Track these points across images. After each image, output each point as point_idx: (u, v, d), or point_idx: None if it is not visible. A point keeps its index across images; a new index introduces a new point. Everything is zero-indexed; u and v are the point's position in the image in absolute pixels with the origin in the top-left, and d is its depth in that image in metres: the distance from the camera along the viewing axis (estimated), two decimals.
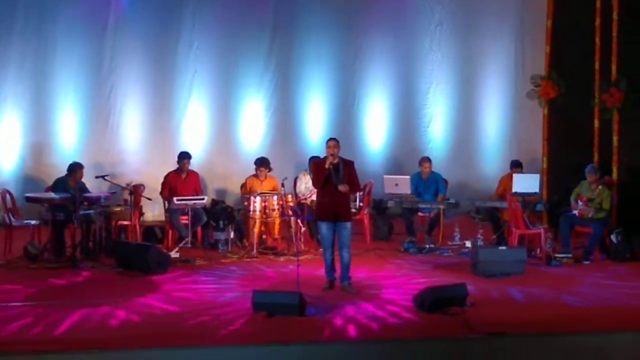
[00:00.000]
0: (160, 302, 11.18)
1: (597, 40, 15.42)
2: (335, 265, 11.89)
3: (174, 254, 14.02)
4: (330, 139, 11.87)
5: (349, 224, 11.87)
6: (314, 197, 15.09)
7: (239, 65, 18.34)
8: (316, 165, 11.89)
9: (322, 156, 15.27)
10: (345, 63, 18.87)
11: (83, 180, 14.45)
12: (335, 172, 11.63)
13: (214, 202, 16.10)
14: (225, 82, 18.32)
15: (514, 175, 14.93)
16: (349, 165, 11.80)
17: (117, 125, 17.96)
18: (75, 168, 14.53)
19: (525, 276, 12.70)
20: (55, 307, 10.78)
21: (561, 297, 11.58)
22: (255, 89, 18.43)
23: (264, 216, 14.54)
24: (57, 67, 17.61)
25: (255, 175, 15.30)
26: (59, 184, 14.38)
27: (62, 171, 14.64)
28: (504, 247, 13.69)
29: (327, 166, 11.61)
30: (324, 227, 11.77)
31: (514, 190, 14.59)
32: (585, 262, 13.81)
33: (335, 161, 11.65)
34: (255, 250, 14.37)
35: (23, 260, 13.67)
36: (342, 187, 11.60)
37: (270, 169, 15.32)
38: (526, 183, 14.70)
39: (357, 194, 15.19)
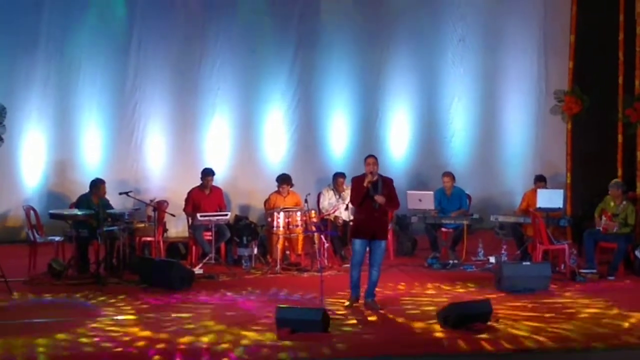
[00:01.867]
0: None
1: (621, 55, 15.38)
2: (360, 283, 11.84)
3: (197, 270, 14.04)
4: (369, 156, 11.82)
5: (384, 243, 11.85)
6: (337, 213, 15.15)
7: (261, 82, 18.36)
8: (355, 182, 11.81)
9: (345, 172, 15.44)
10: (367, 78, 18.86)
11: (106, 196, 14.48)
12: (374, 189, 11.59)
13: (238, 218, 16.12)
14: (248, 99, 18.35)
15: (538, 190, 14.90)
16: (388, 182, 11.76)
17: (140, 142, 18.02)
18: (97, 184, 14.59)
19: (550, 292, 12.67)
20: None
21: (586, 312, 11.53)
22: (278, 105, 18.46)
23: (288, 232, 14.57)
24: (81, 84, 17.69)
25: (278, 192, 15.33)
26: (82, 201, 14.45)
27: (86, 188, 14.69)
28: (528, 263, 13.66)
29: (365, 184, 11.57)
30: (358, 244, 11.70)
31: (537, 205, 14.57)
32: (610, 278, 13.75)
33: (375, 178, 11.61)
34: (278, 266, 14.37)
35: (47, 276, 13.71)
36: (378, 198, 11.55)
37: (292, 185, 15.35)
38: (550, 198, 14.69)
39: None
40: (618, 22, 15.38)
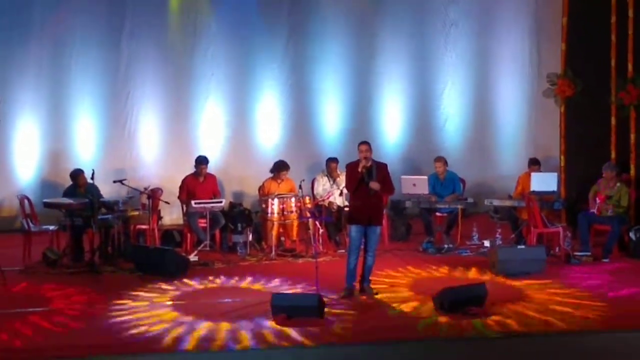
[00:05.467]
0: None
1: (613, 37, 15.39)
2: (356, 272, 11.86)
3: (192, 258, 14.07)
4: (362, 142, 11.82)
5: (379, 229, 11.90)
6: (331, 199, 15.15)
7: (254, 68, 18.32)
8: (349, 168, 11.82)
9: (339, 157, 15.43)
10: (360, 64, 18.81)
11: (100, 185, 14.40)
12: (368, 175, 11.60)
13: (232, 205, 16.11)
14: (241, 85, 18.30)
15: (532, 174, 14.90)
16: (382, 168, 11.79)
17: (134, 130, 17.97)
18: (76, 174, 14.66)
19: (545, 275, 12.69)
20: None
21: (581, 295, 11.56)
22: (271, 91, 18.41)
23: (282, 218, 14.57)
24: (74, 73, 17.62)
25: (273, 178, 15.33)
26: (68, 194, 14.49)
27: None
28: (522, 246, 13.69)
29: (360, 169, 11.58)
30: (354, 230, 11.72)
31: (532, 189, 14.58)
32: (605, 260, 13.79)
33: (369, 164, 11.62)
34: (273, 253, 14.39)
35: (42, 265, 13.73)
36: (373, 184, 11.58)
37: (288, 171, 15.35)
38: (544, 181, 14.69)
39: None
40: (610, 5, 15.40)
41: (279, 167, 15.32)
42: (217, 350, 9.56)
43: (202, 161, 15.27)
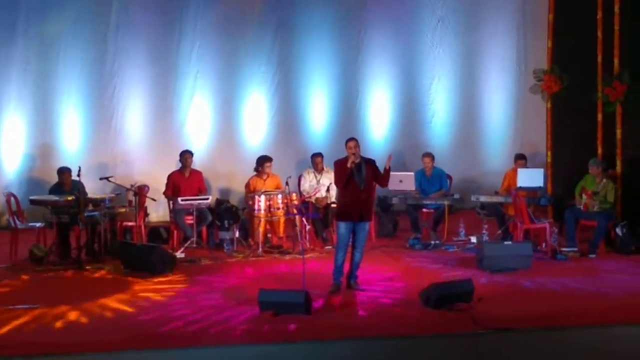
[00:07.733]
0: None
1: (599, 33, 15.38)
2: (344, 268, 11.86)
3: (179, 254, 14.04)
4: (350, 139, 11.79)
5: (368, 225, 11.94)
6: (318, 195, 15.14)
7: (241, 64, 18.31)
8: (338, 165, 11.81)
9: (326, 154, 15.42)
10: (347, 60, 18.83)
11: (83, 181, 14.30)
12: (357, 171, 11.60)
13: (219, 202, 16.07)
14: (227, 82, 18.30)
15: (519, 170, 14.92)
16: (371, 163, 11.80)
17: (120, 127, 17.95)
18: (62, 172, 14.61)
19: (531, 271, 12.70)
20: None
21: (567, 291, 11.58)
22: (258, 87, 18.41)
23: (269, 215, 14.55)
24: (60, 69, 17.60)
25: (258, 175, 15.29)
26: (53, 191, 14.44)
27: None
28: (509, 242, 13.69)
29: (349, 165, 11.57)
30: (343, 227, 11.71)
31: (518, 184, 14.60)
32: (591, 256, 13.80)
33: (357, 160, 11.62)
34: (260, 249, 14.37)
35: (28, 262, 13.67)
36: (389, 160, 11.88)
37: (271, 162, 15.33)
38: (530, 177, 14.71)
39: None
40: (596, 1, 15.38)
41: (261, 161, 15.30)
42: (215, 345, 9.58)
43: (185, 151, 15.32)
